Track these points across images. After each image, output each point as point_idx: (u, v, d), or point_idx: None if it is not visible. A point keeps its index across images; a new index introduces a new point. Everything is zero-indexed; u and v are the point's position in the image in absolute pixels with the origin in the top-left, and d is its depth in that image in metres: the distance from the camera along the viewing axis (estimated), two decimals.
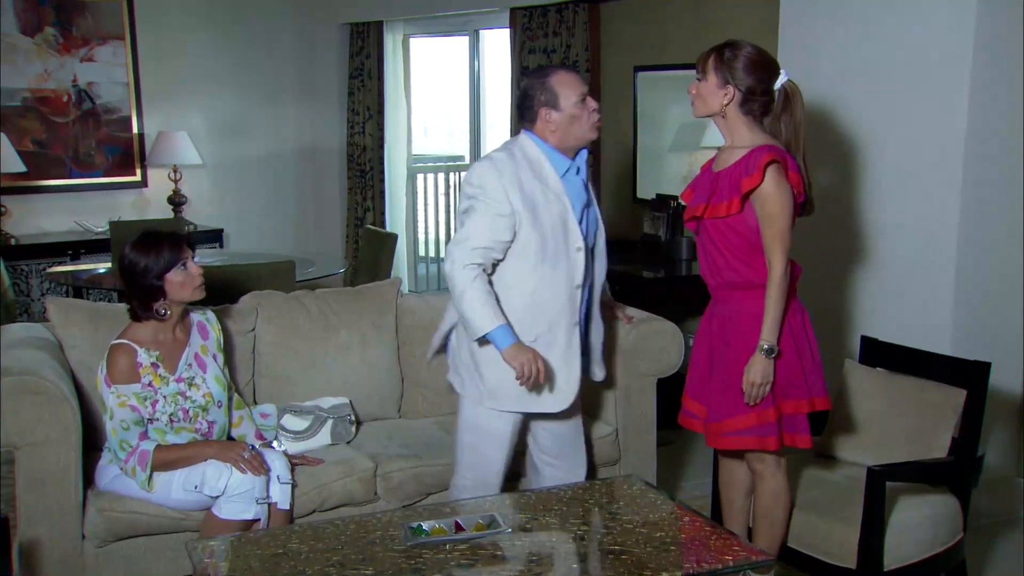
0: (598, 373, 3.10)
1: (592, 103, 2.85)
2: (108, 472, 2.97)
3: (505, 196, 2.76)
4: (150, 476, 2.87)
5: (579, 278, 2.85)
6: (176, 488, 2.89)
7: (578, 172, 2.88)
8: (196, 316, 3.10)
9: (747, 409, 2.72)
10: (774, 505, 2.85)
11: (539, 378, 2.76)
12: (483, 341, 2.81)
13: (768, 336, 2.67)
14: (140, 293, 2.92)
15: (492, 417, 2.91)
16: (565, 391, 2.88)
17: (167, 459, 2.89)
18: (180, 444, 2.94)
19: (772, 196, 2.65)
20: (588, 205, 2.91)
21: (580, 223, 2.85)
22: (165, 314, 2.94)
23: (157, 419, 2.92)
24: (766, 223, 2.67)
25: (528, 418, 2.99)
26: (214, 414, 3.01)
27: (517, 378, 2.75)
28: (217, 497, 2.85)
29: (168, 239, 2.95)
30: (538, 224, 2.78)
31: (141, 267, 2.90)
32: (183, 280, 2.93)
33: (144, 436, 2.90)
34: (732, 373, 2.74)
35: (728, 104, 2.72)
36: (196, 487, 2.86)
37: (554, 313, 2.83)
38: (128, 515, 2.91)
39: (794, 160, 2.73)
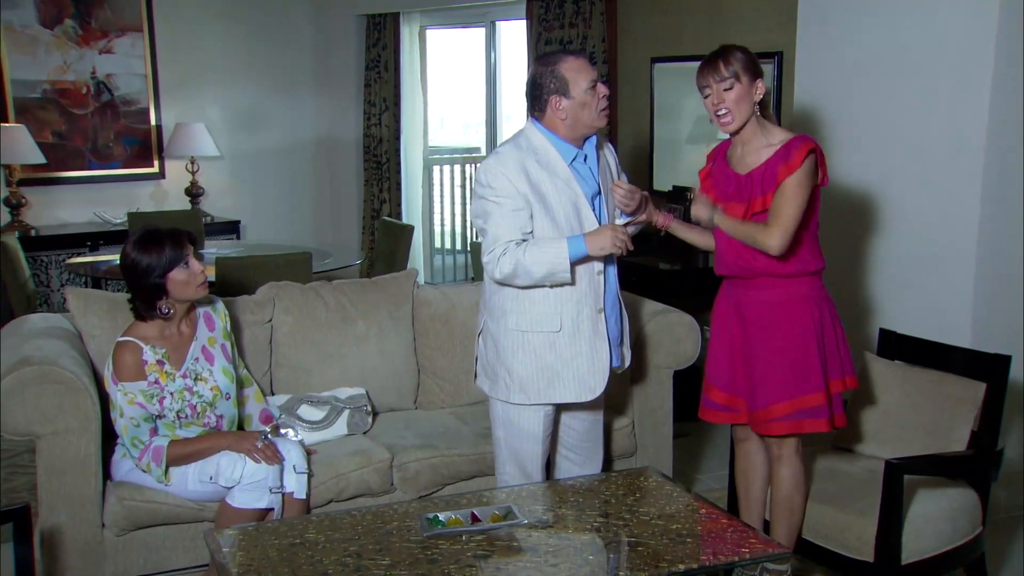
0: (626, 357, 3.05)
1: (602, 89, 2.80)
2: (123, 465, 2.99)
3: (515, 189, 2.76)
4: (166, 471, 2.88)
5: (598, 265, 2.84)
6: (192, 480, 2.91)
7: (585, 160, 2.87)
8: (202, 308, 3.09)
9: (800, 392, 2.75)
10: (794, 491, 2.85)
11: (628, 243, 2.77)
12: (508, 338, 2.85)
13: (719, 220, 2.77)
14: (143, 293, 2.90)
15: (522, 413, 2.90)
16: (593, 381, 2.87)
17: (181, 453, 2.89)
18: (193, 437, 2.94)
19: (795, 180, 2.66)
20: (598, 193, 2.88)
21: (593, 210, 2.84)
22: (168, 313, 2.93)
23: (164, 416, 2.92)
24: (780, 199, 2.67)
25: (559, 409, 2.99)
26: (222, 407, 3.01)
27: (614, 249, 2.75)
28: (232, 487, 2.87)
29: (169, 237, 2.90)
30: (549, 213, 2.78)
31: (143, 266, 2.86)
32: (186, 279, 2.89)
33: (155, 432, 2.90)
34: (779, 358, 2.76)
35: (759, 99, 2.73)
36: (211, 478, 2.87)
37: (575, 302, 2.82)
38: (147, 504, 2.93)
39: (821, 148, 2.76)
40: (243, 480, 2.85)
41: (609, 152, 3.01)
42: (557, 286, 2.80)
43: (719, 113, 2.74)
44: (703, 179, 2.95)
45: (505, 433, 2.96)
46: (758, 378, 2.81)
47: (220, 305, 3.15)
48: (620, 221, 2.88)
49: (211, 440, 2.93)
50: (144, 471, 2.90)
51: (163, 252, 2.87)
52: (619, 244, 2.73)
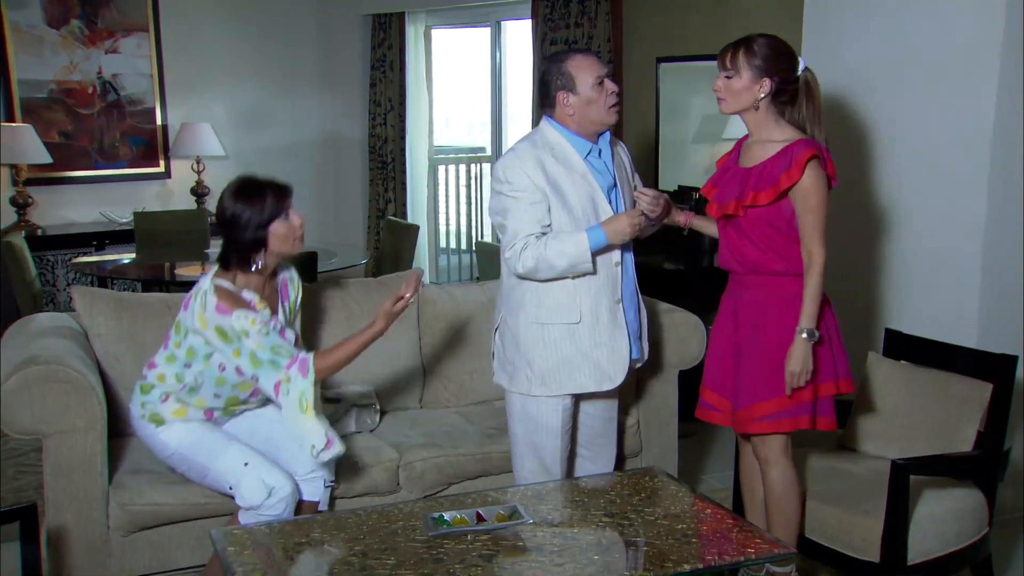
0: (645, 351, 3.07)
1: (610, 86, 2.82)
2: (140, 425, 2.89)
3: (531, 183, 2.79)
4: (311, 388, 2.73)
5: (616, 256, 2.85)
6: (219, 468, 2.79)
7: (600, 154, 2.89)
8: (282, 273, 2.98)
9: (781, 392, 2.73)
10: (785, 491, 2.83)
11: (641, 223, 2.78)
12: (527, 331, 2.87)
13: (808, 322, 2.68)
14: (241, 244, 2.77)
15: (541, 406, 2.92)
16: (613, 370, 2.89)
17: (327, 364, 2.77)
18: (340, 343, 2.83)
19: (812, 190, 2.66)
20: (614, 186, 2.90)
21: (609, 203, 2.86)
22: (261, 268, 2.80)
23: (200, 383, 2.82)
24: (806, 215, 2.67)
25: (577, 401, 3.00)
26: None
27: (632, 232, 2.77)
28: (247, 508, 2.78)
29: (272, 188, 2.80)
30: (567, 206, 2.80)
31: (245, 218, 2.74)
32: (286, 232, 2.79)
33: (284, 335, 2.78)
34: (766, 357, 2.74)
35: (763, 97, 2.71)
36: (231, 487, 2.81)
37: (593, 293, 2.84)
38: (150, 507, 2.93)
39: (828, 150, 2.73)
40: (261, 509, 2.77)
41: (623, 150, 3.03)
42: (577, 277, 2.81)
43: (716, 96, 2.79)
44: (719, 166, 2.94)
45: (523, 429, 2.96)
46: (744, 377, 2.80)
47: (296, 276, 3.04)
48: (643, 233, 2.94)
49: (358, 340, 2.82)
50: (287, 383, 2.72)
51: (266, 203, 2.76)
52: (636, 226, 2.77)
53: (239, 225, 2.77)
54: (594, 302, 2.84)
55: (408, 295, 2.81)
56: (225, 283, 2.79)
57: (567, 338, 2.85)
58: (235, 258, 2.80)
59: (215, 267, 2.86)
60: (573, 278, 2.82)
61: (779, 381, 2.73)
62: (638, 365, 3.05)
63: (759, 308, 2.78)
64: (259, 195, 2.78)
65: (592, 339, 2.86)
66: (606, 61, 5.59)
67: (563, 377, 2.87)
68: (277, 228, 2.78)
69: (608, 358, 2.88)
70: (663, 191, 5.41)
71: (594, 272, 2.81)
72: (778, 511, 2.85)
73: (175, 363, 2.88)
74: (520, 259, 2.78)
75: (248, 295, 2.80)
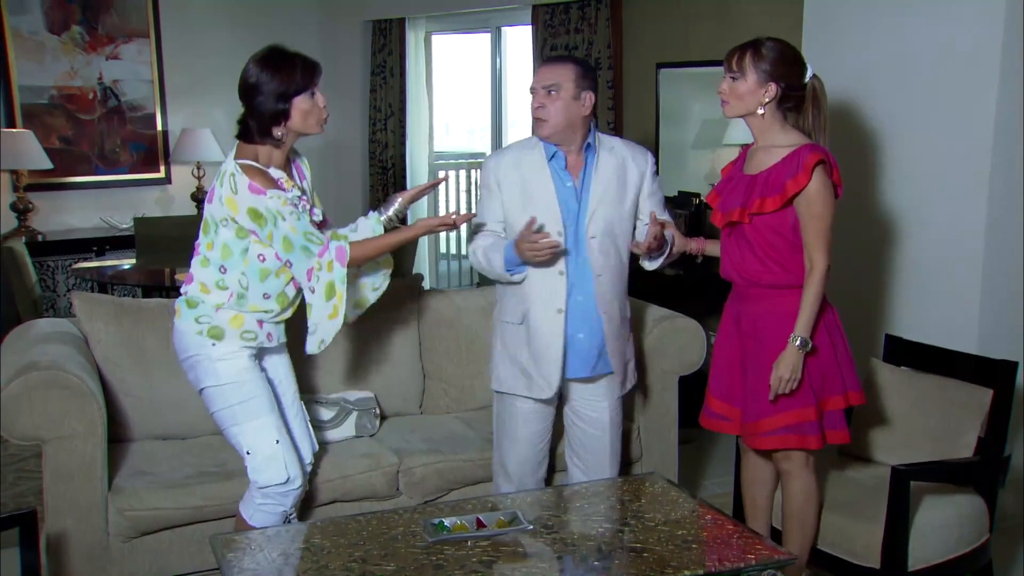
0: (621, 372, 3.06)
1: (535, 99, 2.86)
2: (195, 343, 2.74)
3: (494, 180, 2.92)
4: (344, 277, 2.67)
5: (560, 265, 2.86)
6: (248, 429, 2.74)
7: (566, 162, 2.90)
8: (296, 159, 2.90)
9: (787, 407, 2.71)
10: (805, 504, 2.83)
11: (552, 245, 2.74)
12: (494, 327, 3.04)
13: (802, 330, 2.67)
14: (261, 115, 2.68)
15: (504, 400, 3.03)
16: (544, 380, 2.92)
17: (362, 253, 2.72)
18: (373, 237, 2.77)
19: (818, 196, 2.65)
20: (577, 198, 2.88)
21: (570, 211, 2.88)
22: (282, 138, 2.70)
23: (247, 287, 2.70)
24: (810, 221, 2.66)
25: (560, 405, 3.06)
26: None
27: (535, 257, 2.75)
28: (256, 482, 2.78)
29: (302, 61, 2.69)
30: (529, 207, 2.85)
31: (269, 87, 2.65)
32: (309, 108, 2.69)
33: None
34: (768, 372, 2.72)
35: (768, 102, 2.70)
36: (248, 451, 2.76)
37: (534, 297, 2.89)
38: (149, 512, 2.93)
39: (833, 157, 2.72)
40: (268, 490, 2.76)
41: (632, 163, 2.98)
42: (513, 284, 2.91)
43: (721, 98, 2.78)
44: (724, 174, 2.94)
45: (496, 420, 3.12)
46: (751, 391, 2.79)
47: (306, 161, 2.97)
48: (649, 266, 3.03)
49: (392, 238, 2.77)
50: (319, 270, 2.67)
51: (294, 76, 2.66)
52: (534, 249, 2.74)
53: (262, 92, 2.66)
54: (533, 308, 2.90)
55: (454, 221, 2.75)
56: (255, 164, 2.68)
57: (513, 338, 2.96)
58: (256, 127, 2.69)
59: (234, 148, 2.77)
60: (507, 283, 2.92)
61: (782, 397, 2.72)
62: (629, 388, 3.11)
63: (760, 321, 2.77)
64: (287, 66, 2.67)
65: (530, 344, 2.92)
66: (606, 67, 5.59)
67: (509, 376, 2.98)
68: (301, 103, 2.68)
69: (540, 367, 2.91)
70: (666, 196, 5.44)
71: (518, 283, 2.88)
72: (796, 522, 2.84)
73: (209, 267, 2.74)
74: (470, 252, 2.95)
75: (276, 173, 2.71)
